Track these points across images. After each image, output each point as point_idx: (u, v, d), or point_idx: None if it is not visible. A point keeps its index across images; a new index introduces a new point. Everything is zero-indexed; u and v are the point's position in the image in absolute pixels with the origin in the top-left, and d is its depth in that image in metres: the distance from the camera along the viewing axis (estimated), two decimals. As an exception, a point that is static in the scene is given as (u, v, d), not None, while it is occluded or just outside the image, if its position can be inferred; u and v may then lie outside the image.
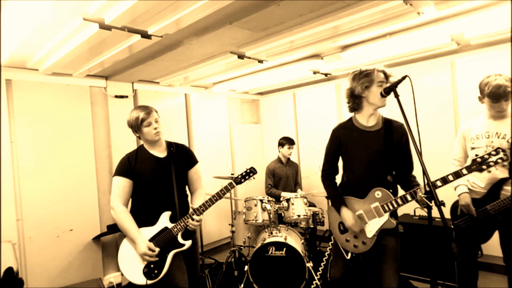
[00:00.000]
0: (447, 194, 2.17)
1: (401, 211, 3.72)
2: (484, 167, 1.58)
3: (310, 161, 4.68)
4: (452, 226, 2.38)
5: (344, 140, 2.01)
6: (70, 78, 3.21)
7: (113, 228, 3.37)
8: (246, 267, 2.98)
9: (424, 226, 3.02)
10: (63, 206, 3.11)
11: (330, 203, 2.17)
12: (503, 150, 1.56)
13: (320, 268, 2.43)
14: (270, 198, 3.38)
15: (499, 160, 1.55)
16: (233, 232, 3.47)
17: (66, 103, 3.20)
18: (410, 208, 3.36)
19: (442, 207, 1.49)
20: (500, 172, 2.14)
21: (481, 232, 2.21)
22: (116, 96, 3.59)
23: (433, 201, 1.54)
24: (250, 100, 5.38)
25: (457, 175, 1.63)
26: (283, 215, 3.33)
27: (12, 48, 2.41)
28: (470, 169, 1.60)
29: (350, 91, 1.96)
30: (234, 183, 2.05)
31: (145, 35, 2.24)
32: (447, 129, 3.40)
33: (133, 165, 1.98)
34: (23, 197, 2.88)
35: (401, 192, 1.92)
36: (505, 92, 2.04)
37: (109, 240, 3.46)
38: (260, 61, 3.14)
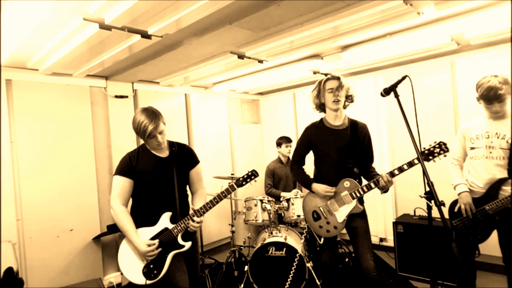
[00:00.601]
0: (447, 194, 2.17)
1: (401, 211, 3.75)
2: (430, 157, 1.87)
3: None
4: (450, 226, 2.39)
5: (315, 138, 2.28)
6: (70, 78, 3.21)
7: (113, 228, 3.37)
8: (246, 267, 2.98)
9: (424, 226, 3.02)
10: (63, 206, 3.11)
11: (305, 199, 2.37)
12: (444, 144, 1.85)
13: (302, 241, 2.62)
14: (270, 198, 3.38)
15: (441, 152, 1.84)
16: (233, 232, 3.47)
17: (66, 103, 3.20)
18: (410, 208, 3.37)
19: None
20: (498, 172, 2.14)
21: (479, 232, 2.21)
22: (116, 96, 3.59)
23: (432, 201, 1.55)
24: (250, 100, 5.38)
25: (410, 164, 1.91)
26: (283, 215, 3.33)
27: (12, 48, 2.41)
28: (419, 160, 1.79)
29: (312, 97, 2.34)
30: (235, 186, 2.04)
31: (145, 35, 2.24)
32: (447, 129, 3.40)
33: (135, 165, 1.98)
34: (23, 197, 2.88)
35: (364, 181, 2.15)
36: (496, 95, 2.05)
37: (109, 240, 3.46)
38: (260, 61, 3.14)
